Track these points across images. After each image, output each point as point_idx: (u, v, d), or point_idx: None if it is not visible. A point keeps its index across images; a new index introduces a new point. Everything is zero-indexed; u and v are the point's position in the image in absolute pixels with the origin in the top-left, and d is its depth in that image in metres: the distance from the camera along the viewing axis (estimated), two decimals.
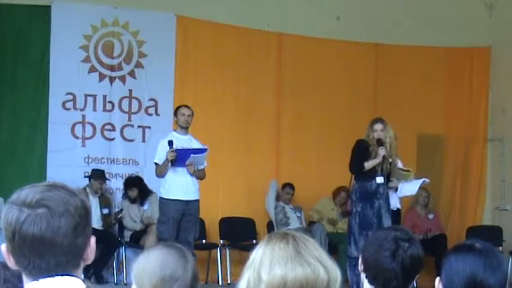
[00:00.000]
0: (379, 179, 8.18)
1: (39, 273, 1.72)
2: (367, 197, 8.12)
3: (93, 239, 1.80)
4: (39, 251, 1.70)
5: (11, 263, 1.75)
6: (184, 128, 8.44)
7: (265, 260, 1.81)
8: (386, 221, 8.11)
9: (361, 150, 8.19)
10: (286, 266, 1.78)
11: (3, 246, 1.75)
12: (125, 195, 10.05)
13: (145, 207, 9.90)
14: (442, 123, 11.79)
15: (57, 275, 1.72)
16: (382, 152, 8.10)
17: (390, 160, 8.22)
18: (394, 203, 8.53)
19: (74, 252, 1.75)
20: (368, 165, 8.11)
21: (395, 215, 8.65)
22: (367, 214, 8.08)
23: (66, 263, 1.74)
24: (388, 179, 8.34)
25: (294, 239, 1.83)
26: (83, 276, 1.79)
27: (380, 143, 8.14)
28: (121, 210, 10.03)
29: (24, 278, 1.76)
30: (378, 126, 8.22)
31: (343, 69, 11.39)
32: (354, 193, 8.23)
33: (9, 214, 1.74)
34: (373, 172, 8.15)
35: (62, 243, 1.71)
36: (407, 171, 8.67)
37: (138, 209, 9.95)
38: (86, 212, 1.78)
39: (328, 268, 1.80)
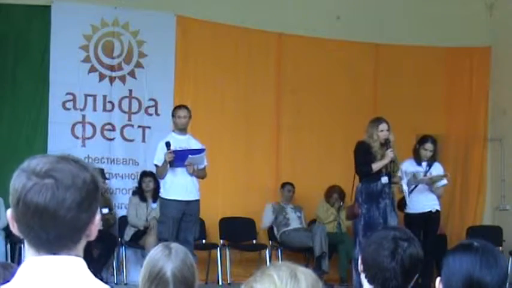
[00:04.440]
0: (384, 179, 8.25)
1: (39, 243, 1.73)
2: (373, 198, 8.17)
3: (98, 216, 1.79)
4: (41, 221, 1.70)
5: (14, 229, 1.76)
6: (183, 129, 8.45)
7: None
8: (393, 221, 8.18)
9: (365, 152, 8.22)
10: None
11: (9, 212, 1.77)
12: (136, 191, 9.89)
13: (154, 205, 9.75)
14: (442, 123, 11.78)
15: (56, 254, 1.72)
16: (391, 154, 8.19)
17: (394, 160, 8.31)
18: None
19: (77, 227, 1.73)
20: (376, 167, 8.19)
21: (435, 217, 8.70)
22: (372, 215, 8.13)
23: (66, 236, 1.73)
24: (390, 179, 8.39)
25: None
26: (82, 253, 1.78)
27: (388, 143, 8.18)
28: (111, 210, 9.88)
29: (26, 247, 1.77)
30: (384, 126, 8.27)
31: (343, 69, 11.38)
32: (359, 195, 8.23)
33: (16, 180, 1.77)
34: (378, 173, 8.22)
35: (65, 216, 1.70)
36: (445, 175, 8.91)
37: (146, 208, 9.83)
38: (94, 188, 1.76)
39: None
